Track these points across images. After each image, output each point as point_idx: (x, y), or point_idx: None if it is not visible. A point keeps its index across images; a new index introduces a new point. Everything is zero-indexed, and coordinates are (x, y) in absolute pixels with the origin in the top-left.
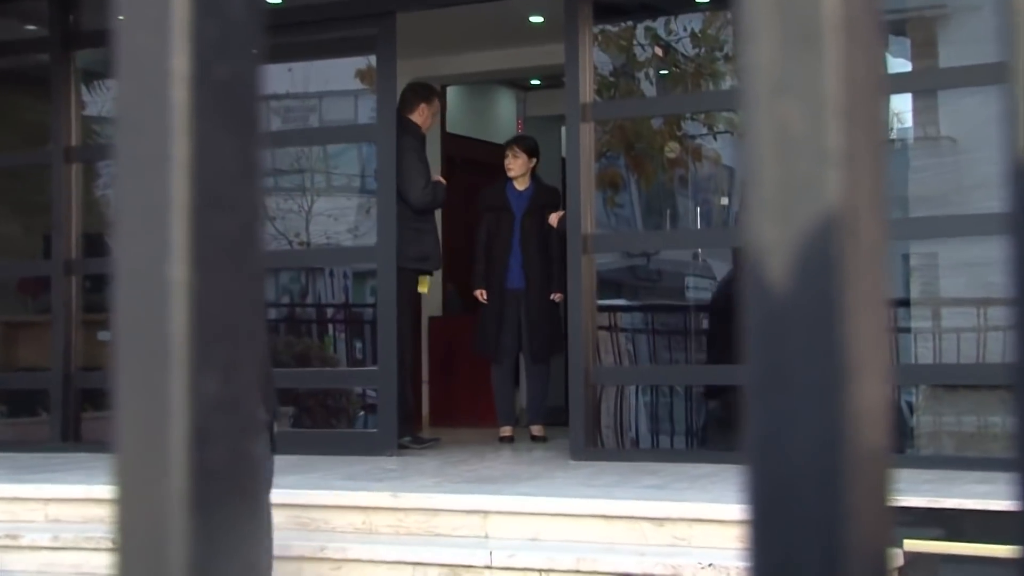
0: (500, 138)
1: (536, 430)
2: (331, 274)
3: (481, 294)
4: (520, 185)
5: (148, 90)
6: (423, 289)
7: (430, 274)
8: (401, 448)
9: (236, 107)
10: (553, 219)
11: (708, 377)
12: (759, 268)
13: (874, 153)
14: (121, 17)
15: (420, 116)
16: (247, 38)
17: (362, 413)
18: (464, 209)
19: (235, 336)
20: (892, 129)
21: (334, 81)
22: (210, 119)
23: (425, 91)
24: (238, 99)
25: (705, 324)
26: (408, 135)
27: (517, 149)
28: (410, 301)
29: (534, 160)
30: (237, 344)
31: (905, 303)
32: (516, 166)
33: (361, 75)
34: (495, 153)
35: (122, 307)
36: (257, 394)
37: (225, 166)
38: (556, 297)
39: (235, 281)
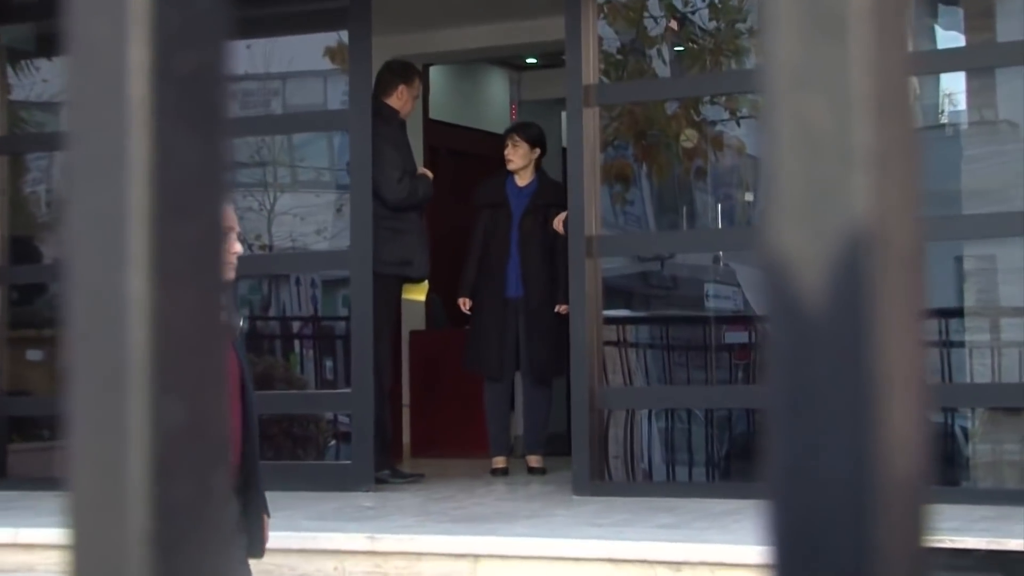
0: (490, 125)
1: (534, 461)
2: (297, 282)
3: (464, 303)
4: (522, 180)
5: (103, 83)
6: (418, 296)
7: (418, 281)
8: (379, 483)
9: (201, 103)
10: (558, 223)
11: (732, 399)
12: (780, 280)
13: (907, 151)
14: (72, 1)
15: (398, 100)
16: (213, 26)
17: (333, 443)
18: (449, 206)
19: (200, 356)
20: (943, 113)
21: (300, 60)
22: (172, 116)
23: (404, 71)
24: (203, 94)
25: (728, 338)
26: (383, 122)
27: (518, 138)
28: (389, 313)
29: (538, 151)
30: (203, 365)
31: (958, 313)
32: (516, 158)
33: (331, 54)
34: (484, 142)
35: (75, 325)
36: (225, 423)
37: (189, 168)
38: (561, 309)
39: (199, 295)
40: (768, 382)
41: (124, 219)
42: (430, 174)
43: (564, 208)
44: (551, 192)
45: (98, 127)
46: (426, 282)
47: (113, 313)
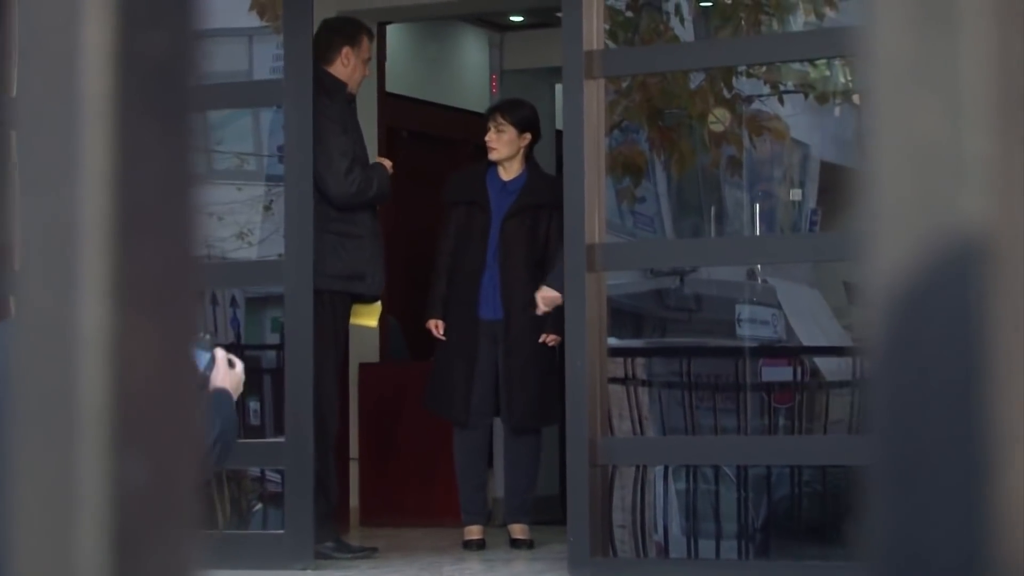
0: (464, 101)
1: (518, 531)
2: (213, 300)
3: (436, 327)
4: (507, 173)
5: (54, 73)
6: (368, 322)
7: (369, 300)
8: (320, 558)
9: (168, 95)
10: (542, 306)
11: (771, 453)
12: (883, 310)
13: None
14: None
15: (343, 68)
16: (183, 2)
17: (260, 506)
18: (411, 204)
19: (167, 402)
20: None
21: (219, 16)
22: (135, 112)
23: (349, 29)
24: (171, 84)
25: (766, 374)
26: (326, 96)
27: (502, 120)
28: (333, 341)
29: (528, 137)
30: (170, 414)
31: None
32: (501, 145)
33: (259, 7)
34: (457, 123)
35: (22, 363)
36: (195, 483)
37: (155, 175)
38: (549, 340)
39: (167, 328)
40: (869, 438)
41: (78, 237)
42: (388, 164)
43: (555, 208)
44: (543, 189)
45: (48, 125)
46: (379, 303)
47: (64, 349)
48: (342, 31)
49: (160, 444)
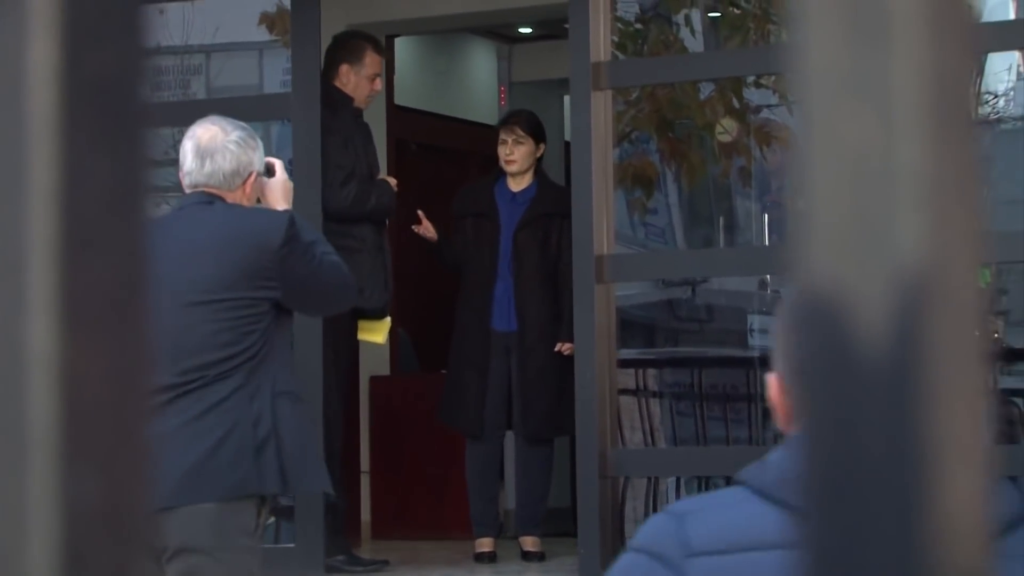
0: (473, 113)
1: (530, 543)
2: None
3: (424, 227)
4: (517, 184)
5: (1, 91)
6: (375, 338)
7: (374, 315)
8: (331, 572)
9: (116, 112)
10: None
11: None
12: (815, 328)
13: (966, 175)
14: None
15: (347, 82)
16: (131, 17)
17: (272, 520)
18: (421, 217)
19: (118, 420)
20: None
21: (229, 30)
22: (83, 128)
23: (349, 45)
24: (119, 101)
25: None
26: (330, 111)
27: (520, 131)
28: (334, 355)
29: (542, 147)
30: (121, 431)
31: None
32: (520, 156)
33: (269, 22)
34: (466, 134)
35: None
36: (148, 502)
37: (103, 191)
38: (563, 349)
39: (117, 346)
40: (801, 455)
41: (24, 254)
42: (393, 181)
43: (566, 219)
44: (553, 199)
45: None
46: (388, 319)
47: (11, 368)
48: (343, 47)
49: (111, 464)
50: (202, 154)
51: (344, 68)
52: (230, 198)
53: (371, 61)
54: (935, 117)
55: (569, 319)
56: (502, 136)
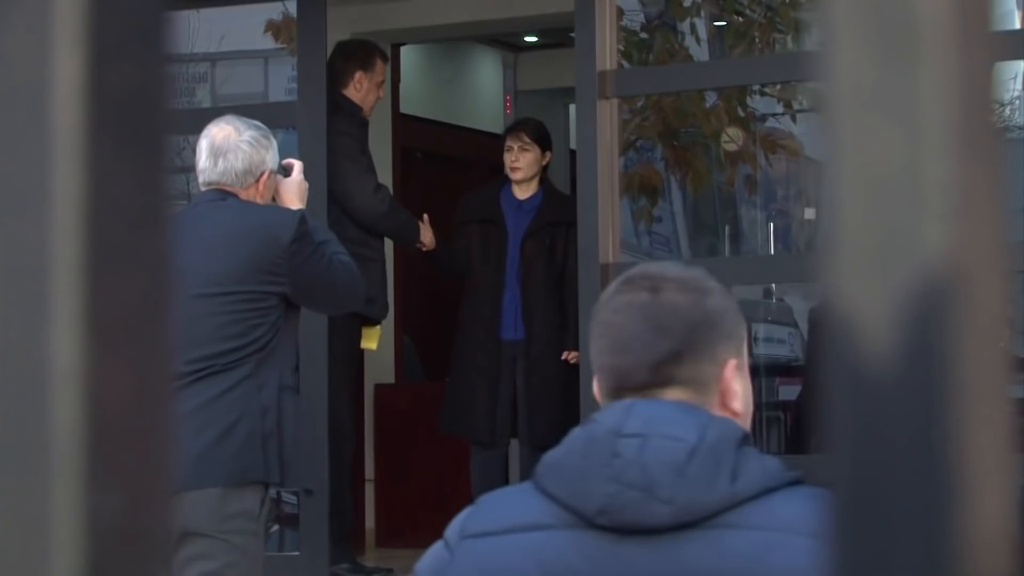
0: (478, 121)
1: None
2: None
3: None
4: (523, 192)
5: (24, 105)
6: (372, 344)
7: (376, 323)
8: None
9: (140, 128)
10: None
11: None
12: (840, 342)
13: (991, 190)
14: None
15: (356, 92)
16: (154, 34)
17: (276, 528)
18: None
19: (142, 437)
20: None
21: (234, 38)
22: (108, 144)
23: (362, 54)
24: (143, 117)
25: (783, 393)
26: (345, 119)
27: (526, 138)
28: (348, 362)
29: (548, 155)
30: (145, 448)
31: None
32: (525, 163)
33: (275, 30)
34: (471, 143)
35: None
36: (170, 518)
37: (127, 207)
38: (571, 357)
39: (141, 362)
40: (825, 470)
41: (50, 270)
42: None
43: (574, 227)
44: (559, 207)
45: (19, 158)
46: (379, 326)
47: (36, 385)
48: (355, 56)
49: (133, 478)
50: (215, 153)
51: (359, 75)
52: (243, 195)
53: (380, 68)
54: (962, 132)
55: (575, 327)
56: (508, 143)
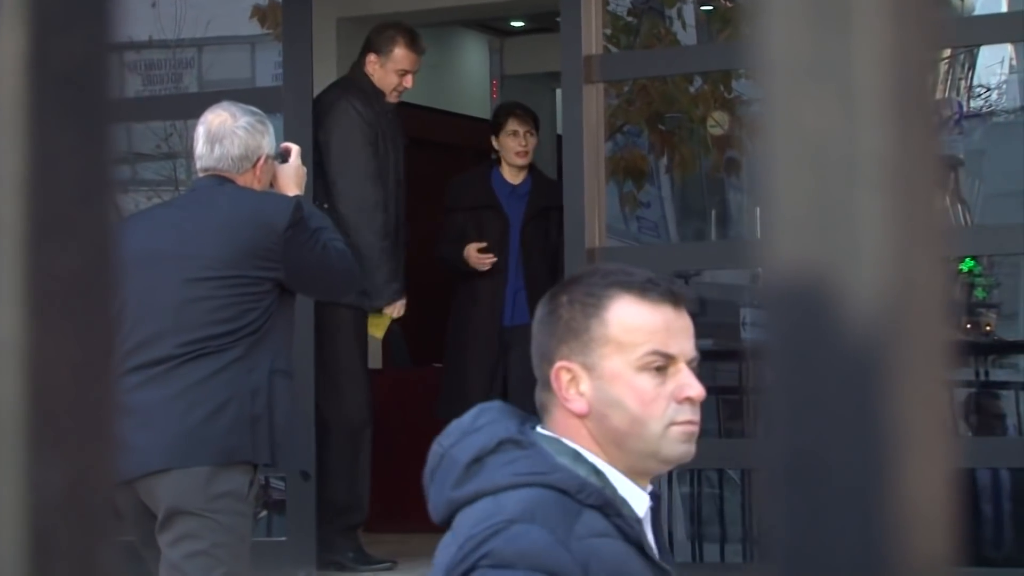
0: (464, 106)
1: None
2: None
3: (479, 258)
4: (515, 177)
5: None
6: (376, 333)
7: (380, 312)
8: (340, 569)
9: (85, 100)
10: None
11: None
12: (778, 314)
13: (928, 161)
14: None
15: (372, 72)
16: (98, 8)
17: (264, 514)
18: (411, 212)
19: (85, 409)
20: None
21: (221, 24)
22: (50, 117)
23: (377, 35)
24: (87, 89)
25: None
26: (359, 97)
27: (532, 123)
28: (360, 351)
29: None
30: (87, 420)
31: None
32: (531, 148)
33: (260, 15)
34: (458, 128)
35: None
36: (112, 489)
37: (70, 179)
38: None
39: (83, 335)
40: (761, 441)
41: None
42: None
43: (561, 211)
44: (548, 192)
45: None
46: (388, 316)
47: None
48: (375, 34)
49: (76, 450)
50: (211, 139)
51: (371, 57)
52: (240, 181)
53: (401, 56)
54: (897, 103)
55: None
56: (514, 127)
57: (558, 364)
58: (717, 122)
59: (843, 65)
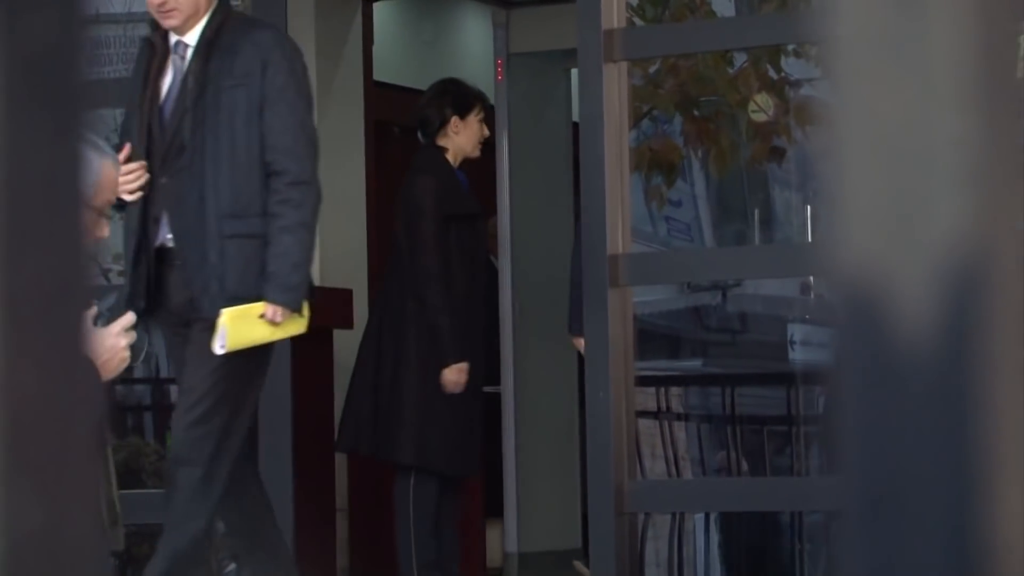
0: None
1: None
2: None
3: (458, 373)
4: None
5: None
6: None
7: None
8: None
9: (53, 87)
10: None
11: (831, 497)
12: (849, 325)
13: (1014, 148)
14: None
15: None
16: None
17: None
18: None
19: (62, 428)
20: None
21: None
22: (17, 105)
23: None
24: (56, 75)
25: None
26: None
27: None
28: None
29: None
30: (65, 440)
31: None
32: None
33: None
34: None
35: None
36: (94, 518)
37: (38, 173)
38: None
39: (58, 346)
40: (839, 466)
41: None
42: None
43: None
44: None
45: None
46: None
47: None
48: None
49: (53, 477)
50: None
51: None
52: None
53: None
54: (980, 87)
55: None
56: (482, 114)
57: None
58: (760, 107)
59: (922, 46)
